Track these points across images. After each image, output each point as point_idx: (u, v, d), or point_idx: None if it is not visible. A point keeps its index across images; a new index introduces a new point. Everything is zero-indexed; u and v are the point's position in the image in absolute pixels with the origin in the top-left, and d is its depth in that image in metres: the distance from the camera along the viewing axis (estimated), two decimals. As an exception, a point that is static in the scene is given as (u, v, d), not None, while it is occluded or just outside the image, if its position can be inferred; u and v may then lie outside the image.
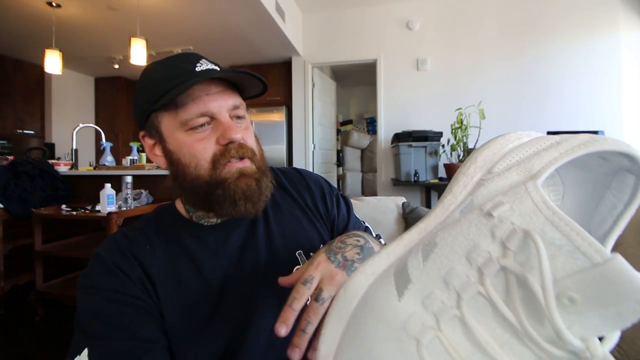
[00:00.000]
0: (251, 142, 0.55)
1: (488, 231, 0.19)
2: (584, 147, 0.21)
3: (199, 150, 0.50)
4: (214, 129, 0.51)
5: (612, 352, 0.69)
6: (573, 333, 0.16)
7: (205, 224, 0.57)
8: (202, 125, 0.50)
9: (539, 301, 0.17)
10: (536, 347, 0.17)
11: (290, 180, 0.67)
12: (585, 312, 0.16)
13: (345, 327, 0.23)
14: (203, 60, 0.52)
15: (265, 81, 0.54)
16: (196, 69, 0.50)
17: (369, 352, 0.20)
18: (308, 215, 0.63)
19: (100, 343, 0.45)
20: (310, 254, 0.58)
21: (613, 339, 0.18)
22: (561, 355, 0.17)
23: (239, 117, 0.54)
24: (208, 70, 0.51)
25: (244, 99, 0.58)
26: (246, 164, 0.52)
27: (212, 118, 0.51)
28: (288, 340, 0.51)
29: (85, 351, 0.45)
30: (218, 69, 0.52)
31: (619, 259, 0.17)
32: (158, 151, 0.55)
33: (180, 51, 4.04)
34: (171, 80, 0.49)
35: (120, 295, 0.48)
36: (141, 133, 0.57)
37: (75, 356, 0.45)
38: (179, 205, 0.61)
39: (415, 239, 0.24)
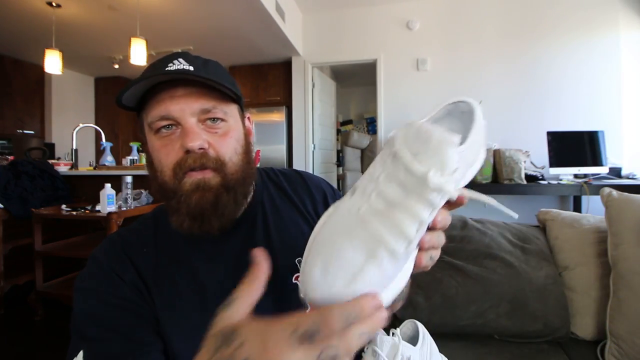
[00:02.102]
0: (223, 150, 0.49)
1: (389, 148, 0.32)
2: (440, 107, 0.39)
3: (163, 155, 0.48)
4: (179, 135, 0.48)
5: (612, 352, 0.69)
6: (425, 172, 0.29)
7: None
8: (167, 127, 0.48)
9: (405, 163, 0.29)
10: (416, 195, 0.29)
11: (290, 183, 0.66)
12: (426, 159, 0.29)
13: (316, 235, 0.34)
14: (180, 59, 0.49)
15: (231, 89, 0.50)
16: (167, 68, 0.47)
17: (328, 227, 0.33)
18: (308, 220, 0.61)
19: (95, 345, 0.45)
20: None
21: (464, 176, 0.33)
22: (427, 194, 0.29)
23: (214, 121, 0.49)
24: (175, 70, 0.47)
25: (237, 100, 0.54)
26: (207, 176, 0.48)
27: (179, 122, 0.48)
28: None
29: (81, 353, 0.44)
30: (192, 68, 0.48)
31: (419, 122, 0.31)
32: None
33: (180, 51, 4.04)
34: (139, 80, 0.47)
35: (115, 298, 0.48)
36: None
37: (72, 358, 0.45)
38: None
39: None
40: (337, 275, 0.29)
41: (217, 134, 0.49)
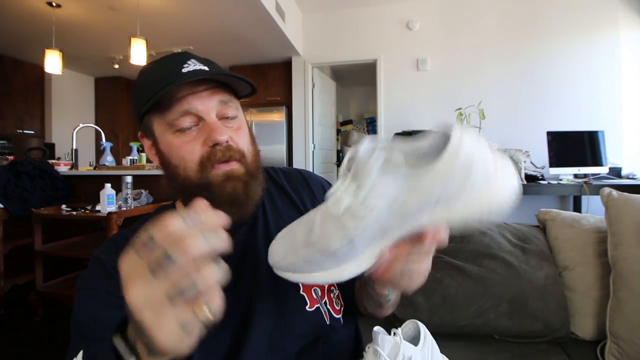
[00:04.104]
0: (242, 143, 0.53)
1: None
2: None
3: (187, 152, 0.50)
4: (200, 131, 0.50)
5: (612, 352, 0.69)
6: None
7: None
8: (189, 128, 0.50)
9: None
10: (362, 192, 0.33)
11: (290, 182, 0.66)
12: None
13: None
14: (192, 60, 0.51)
15: (250, 81, 0.53)
16: (182, 69, 0.49)
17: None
18: None
19: (95, 345, 0.44)
20: None
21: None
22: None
23: (228, 118, 0.53)
24: (194, 71, 0.50)
25: (239, 97, 0.57)
26: (233, 167, 0.51)
27: (199, 119, 0.50)
28: (289, 339, 0.52)
29: (82, 353, 0.44)
30: (207, 68, 0.51)
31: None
32: (154, 151, 0.55)
33: (180, 51, 4.04)
34: (157, 83, 0.49)
35: (118, 299, 0.47)
36: (139, 133, 0.57)
37: (72, 358, 0.44)
38: (180, 206, 0.61)
39: None
40: (286, 244, 0.37)
41: (232, 128, 0.52)
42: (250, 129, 0.59)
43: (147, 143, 0.56)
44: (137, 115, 0.54)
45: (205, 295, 0.26)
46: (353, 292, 0.62)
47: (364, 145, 0.33)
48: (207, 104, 0.50)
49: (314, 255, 0.35)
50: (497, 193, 0.32)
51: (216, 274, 0.26)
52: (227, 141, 0.50)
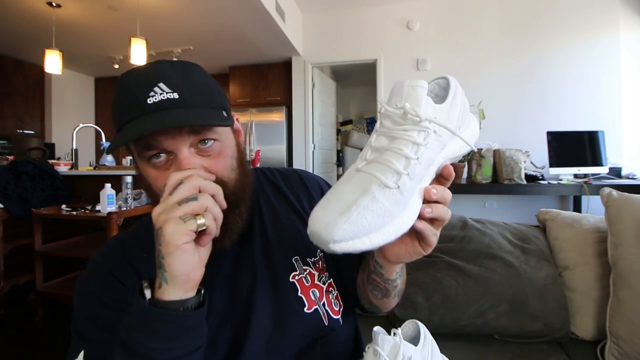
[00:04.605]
0: (220, 171, 0.48)
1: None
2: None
3: (160, 186, 0.46)
4: (173, 164, 0.46)
5: (612, 352, 0.69)
6: (402, 107, 0.36)
7: None
8: (161, 158, 0.46)
9: (388, 113, 0.38)
10: (398, 136, 0.36)
11: (287, 182, 0.66)
12: (402, 101, 0.36)
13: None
14: (161, 84, 0.45)
15: (217, 122, 0.47)
16: (148, 99, 0.44)
17: (334, 185, 0.39)
18: (304, 218, 0.61)
19: (95, 346, 0.46)
20: (307, 259, 0.58)
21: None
22: (407, 132, 0.36)
23: (206, 143, 0.47)
24: (160, 102, 0.44)
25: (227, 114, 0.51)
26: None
27: (170, 151, 0.46)
28: (287, 341, 0.52)
29: (82, 353, 0.45)
30: (176, 96, 0.44)
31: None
32: (137, 169, 0.52)
33: (180, 51, 4.04)
34: (122, 112, 0.46)
35: (116, 302, 0.48)
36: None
37: (73, 358, 0.46)
38: None
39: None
40: (333, 209, 0.35)
41: (210, 157, 0.48)
42: (240, 145, 0.54)
43: (134, 163, 0.53)
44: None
45: (202, 208, 0.39)
46: (354, 289, 0.62)
47: (416, 81, 0.37)
48: (176, 138, 0.44)
49: (373, 197, 0.35)
50: (475, 123, 0.44)
51: (211, 200, 0.40)
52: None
